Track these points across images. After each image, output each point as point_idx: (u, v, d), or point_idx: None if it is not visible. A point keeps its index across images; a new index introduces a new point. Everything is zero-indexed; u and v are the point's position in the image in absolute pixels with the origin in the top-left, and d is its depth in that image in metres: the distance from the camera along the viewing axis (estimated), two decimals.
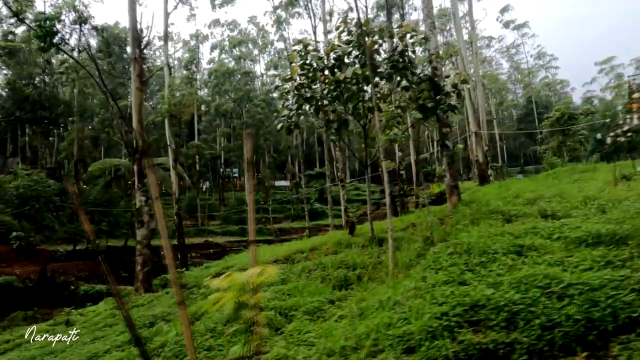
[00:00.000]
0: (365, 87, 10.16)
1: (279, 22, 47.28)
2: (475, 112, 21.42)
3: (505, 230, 6.47)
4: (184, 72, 52.32)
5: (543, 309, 3.63)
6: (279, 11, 44.27)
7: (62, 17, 10.71)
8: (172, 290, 9.89)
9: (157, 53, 58.31)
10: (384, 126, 8.47)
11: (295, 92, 10.05)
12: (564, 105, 37.35)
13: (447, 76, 10.24)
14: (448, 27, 42.64)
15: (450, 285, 4.57)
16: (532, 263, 4.73)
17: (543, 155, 37.69)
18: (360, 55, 9.78)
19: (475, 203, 9.68)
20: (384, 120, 8.78)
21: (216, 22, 59.67)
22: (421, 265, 5.98)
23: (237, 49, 57.18)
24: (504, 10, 60.98)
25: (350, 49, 10.18)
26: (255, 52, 60.90)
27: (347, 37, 10.15)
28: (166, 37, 22.70)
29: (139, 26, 13.29)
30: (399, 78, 9.87)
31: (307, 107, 10.75)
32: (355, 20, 9.60)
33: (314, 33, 26.74)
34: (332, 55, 10.25)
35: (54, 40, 10.39)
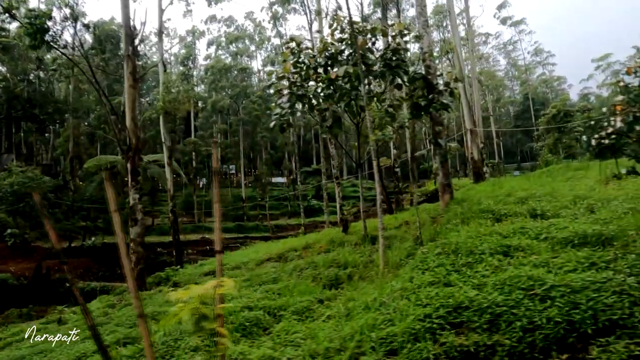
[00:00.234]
0: (358, 86, 10.15)
1: (275, 18, 47.04)
2: (470, 110, 21.43)
3: (494, 230, 6.49)
4: (181, 68, 52.13)
5: (525, 311, 3.65)
6: (275, 7, 44.03)
7: (54, 14, 10.59)
8: (165, 289, 9.91)
9: (154, 49, 58.00)
10: (376, 125, 8.47)
11: (288, 90, 10.02)
12: (561, 102, 37.37)
13: (441, 74, 10.22)
14: (445, 24, 42.55)
15: (436, 286, 4.58)
16: (517, 264, 4.74)
17: (539, 152, 37.80)
18: (353, 54, 9.76)
19: (466, 202, 9.71)
20: (377, 119, 8.78)
21: (212, 18, 59.37)
22: (409, 265, 6.00)
23: (233, 45, 56.97)
24: (501, 6, 60.82)
25: (343, 47, 10.17)
26: (252, 48, 60.65)
27: (340, 35, 10.13)
28: (160, 33, 22.57)
29: (132, 23, 13.23)
30: (391, 77, 9.86)
31: (300, 105, 10.74)
32: (347, 18, 9.57)
33: (310, 30, 26.65)
34: (325, 53, 10.23)
35: (45, 38, 10.35)
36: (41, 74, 39.87)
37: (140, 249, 12.76)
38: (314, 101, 10.78)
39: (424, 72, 10.54)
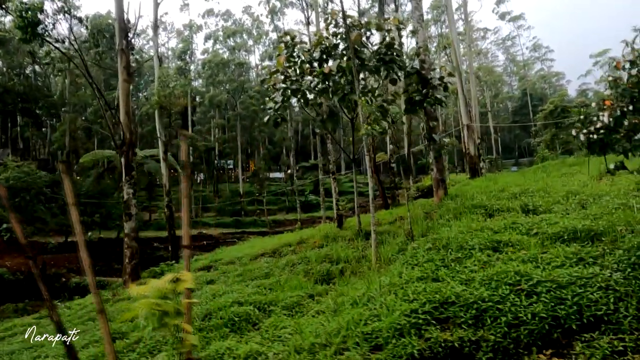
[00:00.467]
0: (354, 80, 10.09)
1: (273, 12, 46.88)
2: (467, 105, 21.39)
3: (485, 225, 6.47)
4: (178, 62, 51.87)
5: (510, 307, 3.64)
6: (273, 1, 43.86)
7: (45, 7, 10.46)
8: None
9: (151, 43, 57.63)
10: (371, 120, 8.43)
11: (281, 84, 9.96)
12: (558, 98, 37.39)
13: (434, 69, 10.17)
14: (443, 19, 42.36)
15: (424, 281, 4.57)
16: (506, 259, 4.73)
17: (537, 148, 37.79)
18: (347, 48, 9.69)
19: (460, 197, 9.69)
20: (371, 115, 8.73)
21: (210, 12, 59.11)
22: (400, 261, 5.99)
23: (231, 39, 56.69)
24: (500, 1, 60.65)
25: (338, 41, 10.09)
26: (250, 42, 60.39)
27: (335, 30, 10.06)
28: (156, 27, 22.40)
29: (126, 16, 13.12)
30: (386, 72, 9.80)
31: (294, 100, 10.68)
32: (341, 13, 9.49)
33: (307, 25, 26.47)
34: (320, 47, 10.16)
35: (37, 31, 10.25)
36: (37, 68, 39.64)
37: (134, 243, 12.74)
38: (309, 96, 10.72)
39: (418, 67, 10.49)
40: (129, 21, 13.21)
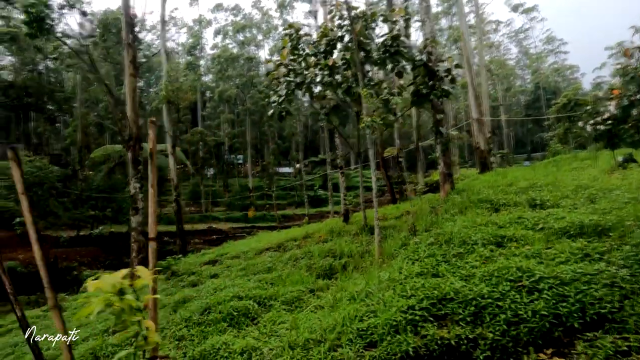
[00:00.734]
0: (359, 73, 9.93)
1: (282, 6, 46.64)
2: (478, 99, 21.02)
3: (490, 220, 6.32)
4: (188, 57, 51.96)
5: (510, 304, 3.52)
6: None
7: (51, 2, 10.45)
8: (161, 278, 9.92)
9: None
10: (376, 114, 8.29)
11: (285, 77, 9.86)
12: (572, 91, 36.52)
13: (441, 61, 9.95)
14: (453, 11, 41.72)
15: (423, 277, 4.46)
16: (509, 255, 4.60)
17: (549, 142, 37.08)
18: (352, 40, 9.53)
19: (467, 191, 9.51)
20: (377, 110, 8.59)
21: (219, 7, 59.03)
22: (402, 256, 5.87)
23: (240, 34, 56.61)
24: None
25: (343, 33, 9.93)
26: (259, 37, 60.18)
27: (339, 22, 9.90)
28: (163, 21, 22.41)
29: (132, 10, 13.12)
30: (392, 64, 9.62)
31: (299, 93, 10.57)
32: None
33: (315, 18, 26.28)
34: (325, 39, 10.02)
35: (43, 26, 10.27)
36: (49, 64, 40.06)
37: (141, 237, 12.79)
38: (314, 89, 10.59)
39: (425, 59, 10.28)
40: (135, 15, 13.20)
